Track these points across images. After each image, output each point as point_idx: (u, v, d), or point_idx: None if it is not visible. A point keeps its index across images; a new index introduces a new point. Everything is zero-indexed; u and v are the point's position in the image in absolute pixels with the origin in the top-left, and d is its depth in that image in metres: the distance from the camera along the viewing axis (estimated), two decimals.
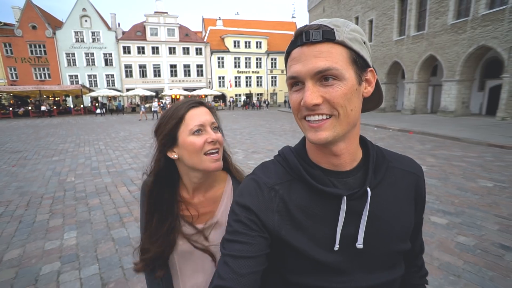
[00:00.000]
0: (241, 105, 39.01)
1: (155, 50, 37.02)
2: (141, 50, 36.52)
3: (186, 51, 38.30)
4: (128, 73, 36.57)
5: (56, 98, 33.83)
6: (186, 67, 38.75)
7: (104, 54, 35.34)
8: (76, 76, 34.66)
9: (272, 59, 42.42)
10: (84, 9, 34.10)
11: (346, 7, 27.89)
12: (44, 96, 31.14)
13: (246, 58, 41.12)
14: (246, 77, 41.87)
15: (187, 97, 0.96)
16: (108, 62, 35.67)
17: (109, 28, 35.59)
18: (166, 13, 37.07)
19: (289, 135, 12.49)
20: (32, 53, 32.93)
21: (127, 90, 35.43)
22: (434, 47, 18.39)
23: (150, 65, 37.12)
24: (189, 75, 39.04)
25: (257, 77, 42.55)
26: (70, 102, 35.76)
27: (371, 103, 0.71)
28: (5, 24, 33.12)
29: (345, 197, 0.59)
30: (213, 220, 0.93)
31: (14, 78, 32.67)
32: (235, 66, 40.85)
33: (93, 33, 34.70)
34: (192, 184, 0.93)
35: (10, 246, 3.31)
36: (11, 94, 31.15)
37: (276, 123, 18.25)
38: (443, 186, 5.06)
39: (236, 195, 0.66)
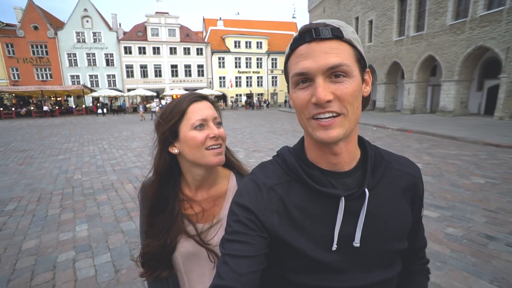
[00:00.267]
0: (242, 105, 39.25)
1: (156, 50, 37.22)
2: (142, 50, 36.72)
3: (187, 51, 38.51)
4: (129, 73, 36.77)
5: (58, 98, 34.09)
6: (187, 67, 38.95)
7: (105, 54, 35.53)
8: (78, 76, 34.87)
9: (272, 59, 42.62)
10: (85, 10, 34.31)
11: (346, 7, 28.07)
12: (46, 96, 31.37)
13: (246, 58, 41.32)
14: (247, 77, 42.08)
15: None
16: (109, 62, 35.87)
17: (110, 29, 35.79)
18: (167, 13, 37.28)
19: (289, 134, 12.70)
20: (34, 53, 33.12)
21: (128, 90, 35.64)
22: (433, 48, 18.58)
23: (151, 65, 37.32)
24: (190, 75, 39.24)
25: (258, 77, 42.76)
26: (71, 102, 35.99)
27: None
28: (7, 25, 33.31)
29: (343, 198, 0.60)
30: (219, 217, 0.92)
31: (16, 78, 32.89)
32: (236, 66, 41.06)
33: (94, 34, 34.89)
34: (195, 182, 0.91)
35: (26, 237, 3.53)
36: (13, 94, 31.40)
37: (276, 123, 18.46)
38: (437, 183, 5.26)
39: (235, 196, 0.67)
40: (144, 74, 37.35)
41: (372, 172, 0.64)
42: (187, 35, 38.53)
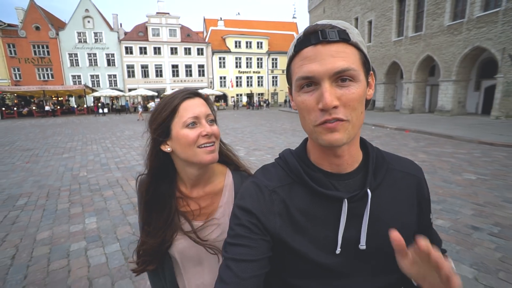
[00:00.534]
0: (242, 105, 39.49)
1: (157, 51, 37.45)
2: (143, 51, 36.95)
3: (187, 51, 38.74)
4: (130, 73, 37.01)
5: (59, 98, 34.33)
6: (188, 67, 39.18)
7: (106, 54, 35.76)
8: (79, 76, 35.09)
9: (273, 59, 42.87)
10: (86, 10, 34.53)
11: (346, 8, 28.28)
12: (48, 96, 31.60)
13: (247, 58, 41.58)
14: (247, 77, 42.32)
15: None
16: (110, 62, 36.10)
17: (111, 29, 36.02)
18: (168, 13, 37.52)
19: (289, 133, 12.91)
20: (35, 53, 33.35)
21: (129, 90, 35.89)
22: (431, 48, 18.79)
23: (152, 65, 37.55)
24: (190, 75, 39.48)
25: (258, 77, 43.00)
26: (73, 102, 36.24)
27: None
28: (9, 25, 33.50)
29: (345, 200, 0.59)
30: (216, 215, 0.91)
31: (18, 78, 33.11)
32: (236, 66, 41.31)
33: (95, 34, 35.10)
34: (189, 180, 0.91)
35: (39, 229, 3.75)
36: (15, 94, 31.64)
37: (276, 122, 18.68)
38: (430, 179, 5.47)
39: (238, 198, 0.66)
40: (145, 74, 37.59)
41: (374, 174, 0.64)
42: (188, 35, 38.75)
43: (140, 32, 37.08)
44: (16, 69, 33.06)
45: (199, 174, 0.89)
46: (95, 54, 35.39)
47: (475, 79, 18.78)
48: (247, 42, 41.11)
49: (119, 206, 4.53)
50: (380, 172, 0.65)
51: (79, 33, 34.59)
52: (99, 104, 30.08)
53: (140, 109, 24.11)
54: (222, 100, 40.57)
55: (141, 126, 17.75)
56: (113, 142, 11.52)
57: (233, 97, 40.62)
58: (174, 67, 38.65)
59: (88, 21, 34.78)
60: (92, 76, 35.71)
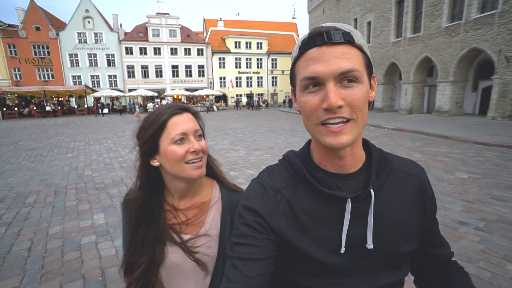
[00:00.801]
0: (242, 105, 39.72)
1: (157, 51, 37.64)
2: (143, 51, 37.13)
3: (187, 51, 38.94)
4: (131, 73, 37.19)
5: (60, 99, 34.48)
6: (188, 67, 39.39)
7: (106, 54, 35.93)
8: (79, 77, 35.26)
9: (272, 59, 43.11)
10: (87, 10, 34.70)
11: (345, 8, 28.50)
12: (48, 97, 31.76)
13: (247, 59, 41.81)
14: (247, 78, 42.55)
15: (172, 102, 0.99)
16: (110, 62, 36.27)
17: (111, 29, 36.19)
18: (168, 14, 37.73)
19: (288, 133, 13.11)
20: (35, 54, 33.50)
21: (130, 90, 36.08)
22: (429, 49, 19.01)
23: (152, 66, 37.74)
24: (190, 75, 39.69)
25: (258, 78, 43.23)
26: (73, 102, 36.41)
27: None
28: (9, 26, 33.64)
29: (349, 200, 0.60)
30: (203, 230, 0.91)
31: (18, 78, 33.26)
32: (236, 67, 41.54)
33: (95, 34, 35.27)
34: (177, 192, 0.92)
35: (51, 224, 3.95)
36: (16, 95, 31.80)
37: (276, 122, 18.89)
38: None
39: (243, 199, 0.67)
40: (145, 74, 37.78)
41: (377, 174, 0.65)
42: (187, 35, 38.95)
43: (140, 33, 37.26)
44: (16, 70, 33.20)
45: (187, 187, 0.91)
46: (95, 55, 35.55)
47: (473, 80, 19.01)
48: (246, 43, 41.33)
49: None
50: (383, 173, 0.66)
51: (79, 34, 34.76)
52: (99, 105, 30.23)
53: (137, 109, 24.25)
54: (222, 101, 40.80)
55: None
56: (115, 142, 11.71)
57: (233, 97, 40.84)
58: (174, 67, 38.85)
59: (88, 22, 34.95)
60: (92, 76, 35.88)
